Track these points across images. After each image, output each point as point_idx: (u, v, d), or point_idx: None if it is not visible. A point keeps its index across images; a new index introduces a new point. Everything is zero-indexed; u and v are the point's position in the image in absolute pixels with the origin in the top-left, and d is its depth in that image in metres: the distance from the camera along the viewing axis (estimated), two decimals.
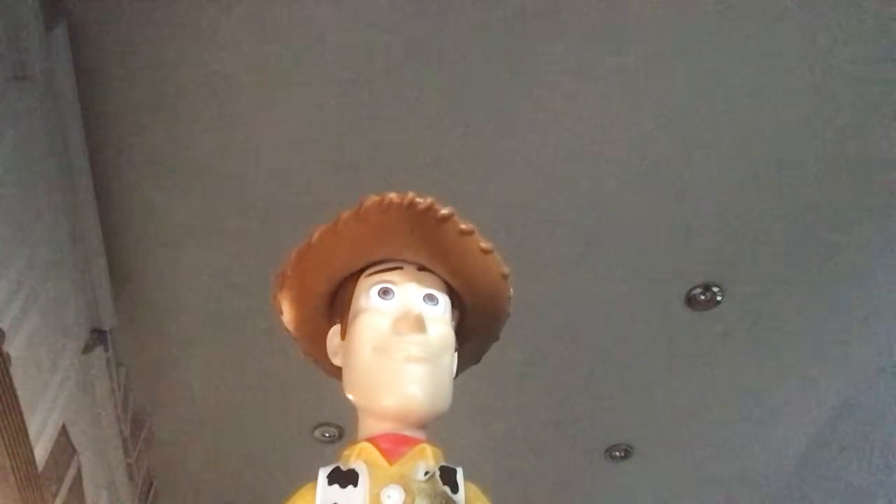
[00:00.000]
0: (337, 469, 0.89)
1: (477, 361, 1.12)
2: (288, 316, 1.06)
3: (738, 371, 2.92)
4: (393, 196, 0.93)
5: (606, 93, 2.11)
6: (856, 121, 2.16)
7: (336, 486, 0.86)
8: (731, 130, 2.19)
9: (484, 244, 0.97)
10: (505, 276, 1.01)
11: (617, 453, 3.27)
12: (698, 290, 2.60)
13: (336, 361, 1.02)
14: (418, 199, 0.92)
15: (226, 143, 2.19)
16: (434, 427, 0.96)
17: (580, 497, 3.55)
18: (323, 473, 0.89)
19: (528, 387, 2.96)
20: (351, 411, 0.98)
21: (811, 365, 2.91)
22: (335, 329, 1.04)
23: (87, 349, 2.34)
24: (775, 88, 2.09)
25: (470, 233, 0.96)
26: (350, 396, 0.98)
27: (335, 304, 1.04)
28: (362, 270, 1.00)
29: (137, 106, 2.10)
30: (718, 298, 2.62)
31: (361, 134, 2.17)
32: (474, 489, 0.89)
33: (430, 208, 0.93)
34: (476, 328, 1.07)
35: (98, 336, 2.39)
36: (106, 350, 2.42)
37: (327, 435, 3.08)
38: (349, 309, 1.00)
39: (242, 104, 2.10)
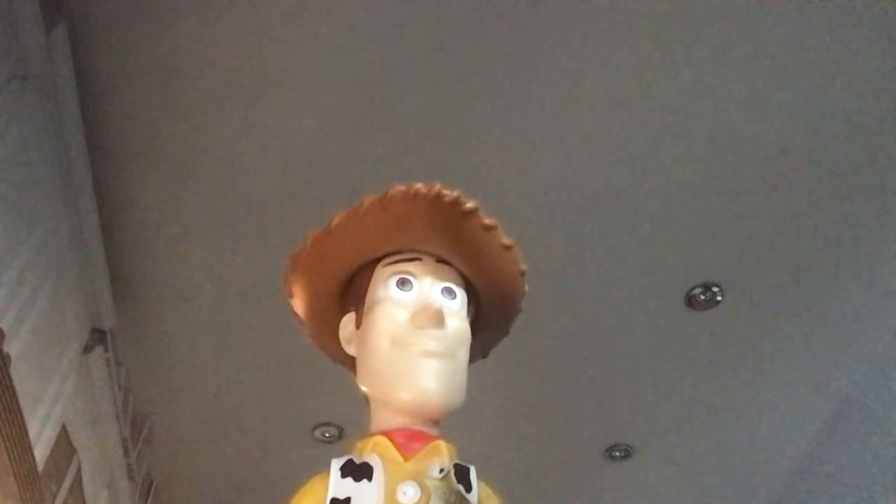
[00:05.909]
0: (350, 461, 0.87)
1: (485, 356, 1.11)
2: (299, 300, 1.04)
3: (738, 371, 2.92)
4: (420, 186, 0.92)
5: (606, 92, 2.11)
6: (857, 121, 2.16)
7: (350, 480, 0.85)
8: (731, 130, 2.19)
9: (506, 240, 0.97)
10: (523, 274, 1.01)
11: (617, 453, 3.28)
12: (698, 290, 2.60)
13: (350, 350, 1.01)
14: (445, 191, 0.92)
15: (227, 142, 2.19)
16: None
17: (580, 497, 3.55)
18: (336, 465, 0.87)
19: (528, 387, 2.96)
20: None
21: (811, 364, 2.90)
22: (349, 317, 1.02)
23: (87, 349, 2.34)
24: (777, 89, 2.09)
25: (493, 228, 0.96)
26: (364, 388, 0.96)
27: (348, 292, 1.03)
28: (378, 260, 0.99)
29: (137, 106, 2.10)
30: (718, 298, 2.62)
31: (363, 130, 2.17)
32: (486, 488, 0.88)
33: (456, 201, 0.92)
34: (488, 323, 1.06)
35: (98, 336, 2.39)
36: (106, 350, 2.42)
37: (327, 435, 3.09)
38: (365, 297, 0.99)
39: (243, 103, 2.10)
